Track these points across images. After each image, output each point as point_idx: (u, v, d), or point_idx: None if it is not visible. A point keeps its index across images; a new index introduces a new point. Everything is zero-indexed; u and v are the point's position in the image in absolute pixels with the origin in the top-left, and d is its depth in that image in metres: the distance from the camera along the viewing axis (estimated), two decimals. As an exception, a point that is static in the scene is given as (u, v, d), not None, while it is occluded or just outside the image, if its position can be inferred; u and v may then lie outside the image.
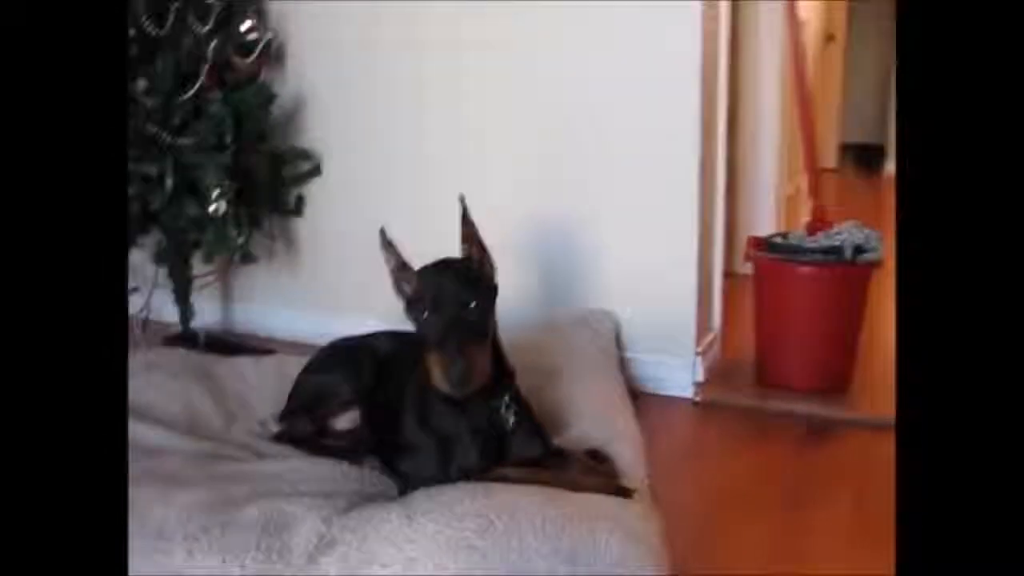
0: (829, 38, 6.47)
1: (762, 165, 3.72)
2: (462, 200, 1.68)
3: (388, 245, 1.67)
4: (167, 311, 2.80)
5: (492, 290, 1.67)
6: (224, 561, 1.47)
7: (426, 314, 1.59)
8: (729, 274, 2.97)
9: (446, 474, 1.67)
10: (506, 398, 1.69)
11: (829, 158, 7.01)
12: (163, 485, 1.66)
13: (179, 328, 2.80)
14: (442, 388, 1.57)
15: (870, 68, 7.53)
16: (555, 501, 1.54)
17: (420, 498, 1.58)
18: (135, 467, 1.53)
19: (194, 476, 1.74)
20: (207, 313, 2.94)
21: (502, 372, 1.69)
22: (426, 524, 1.48)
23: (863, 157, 7.43)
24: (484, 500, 1.52)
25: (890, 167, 6.88)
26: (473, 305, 1.59)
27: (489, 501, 1.52)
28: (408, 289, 1.65)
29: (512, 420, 1.68)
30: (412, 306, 1.64)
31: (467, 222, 1.69)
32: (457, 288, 1.59)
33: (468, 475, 1.65)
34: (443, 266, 1.65)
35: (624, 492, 1.65)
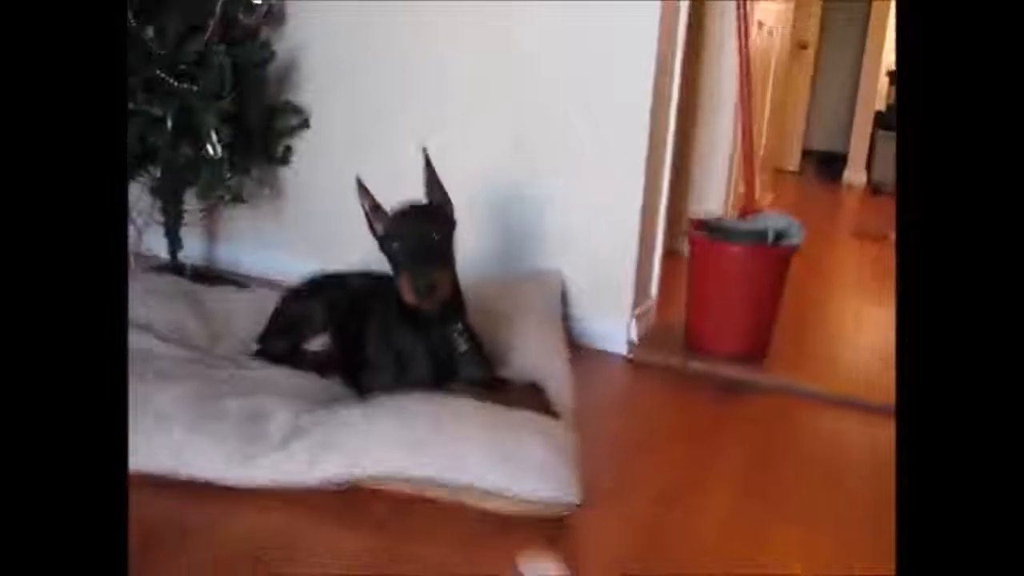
0: (802, 46, 6.76)
1: (717, 161, 3.99)
2: (425, 151, 1.99)
3: (363, 190, 1.98)
4: (154, 244, 3.04)
5: (451, 224, 1.97)
6: (213, 441, 1.75)
7: (396, 244, 1.89)
8: (674, 253, 3.27)
9: (400, 385, 1.94)
10: (459, 325, 1.98)
11: (792, 161, 7.37)
12: (159, 380, 1.91)
13: (166, 259, 3.04)
14: (410, 300, 1.86)
15: (838, 77, 7.83)
16: (494, 411, 1.83)
17: (379, 400, 1.86)
18: (131, 367, 1.74)
19: (184, 374, 1.98)
20: (192, 248, 3.17)
21: (457, 302, 1.99)
22: (383, 420, 1.77)
23: (824, 164, 7.75)
24: (435, 404, 1.81)
25: (848, 175, 7.24)
26: (434, 236, 1.90)
27: (440, 406, 1.80)
28: (380, 227, 1.96)
29: (463, 345, 1.97)
30: (384, 240, 1.94)
31: (428, 169, 1.99)
32: (421, 222, 1.91)
33: (419, 388, 1.93)
34: (409, 207, 1.96)
35: (552, 413, 1.94)
